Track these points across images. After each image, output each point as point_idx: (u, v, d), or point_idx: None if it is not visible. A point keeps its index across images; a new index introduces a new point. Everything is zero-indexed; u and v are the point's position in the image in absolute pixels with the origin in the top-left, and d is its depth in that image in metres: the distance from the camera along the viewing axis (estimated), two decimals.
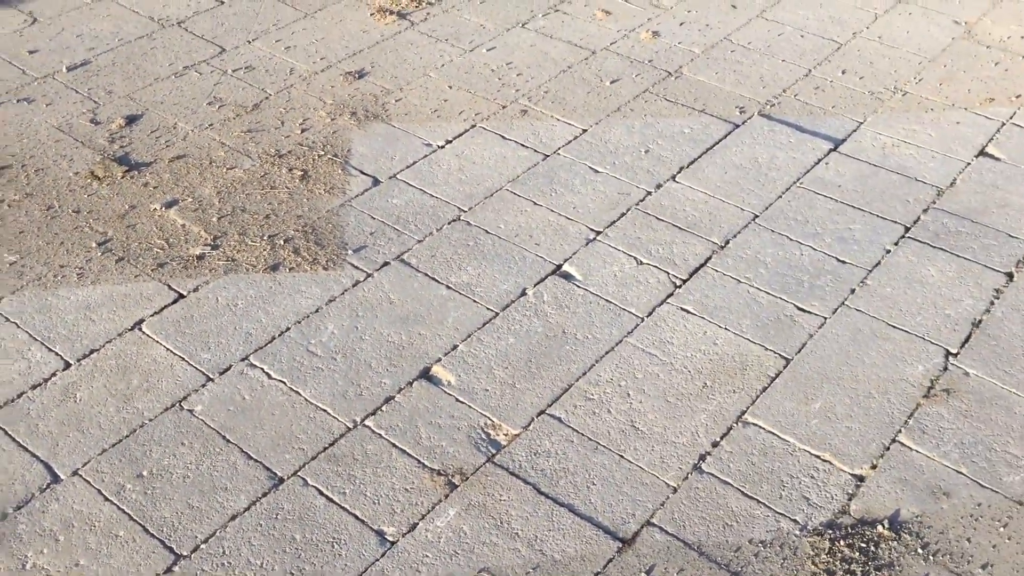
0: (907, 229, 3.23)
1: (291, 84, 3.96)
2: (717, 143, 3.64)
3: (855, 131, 3.72)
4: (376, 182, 3.41)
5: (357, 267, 3.04)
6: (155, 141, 3.60)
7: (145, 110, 3.78)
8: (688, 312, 2.89)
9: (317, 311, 2.87)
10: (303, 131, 3.67)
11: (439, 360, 2.72)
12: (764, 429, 2.53)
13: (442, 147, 3.60)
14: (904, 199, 3.37)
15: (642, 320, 2.86)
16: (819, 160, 3.55)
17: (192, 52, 4.16)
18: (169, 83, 3.95)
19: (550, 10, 4.55)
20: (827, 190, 3.40)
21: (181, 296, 2.92)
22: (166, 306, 2.88)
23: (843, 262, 3.08)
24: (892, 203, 3.35)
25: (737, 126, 3.74)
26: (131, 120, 3.72)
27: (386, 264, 3.05)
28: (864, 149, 3.62)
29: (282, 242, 3.13)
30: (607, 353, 2.75)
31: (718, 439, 2.50)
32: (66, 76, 3.98)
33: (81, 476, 2.38)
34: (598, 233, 3.19)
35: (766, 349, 2.76)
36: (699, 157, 3.56)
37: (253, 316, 2.85)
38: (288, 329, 2.81)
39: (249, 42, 4.25)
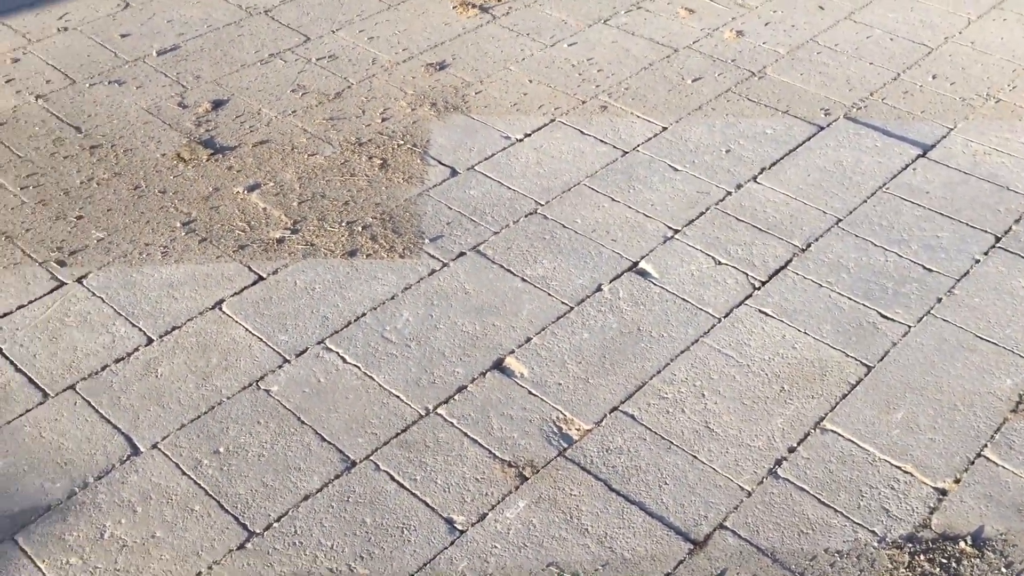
0: (998, 239, 3.13)
1: (373, 74, 3.99)
2: (800, 145, 3.57)
3: (944, 137, 3.61)
4: (454, 173, 3.42)
5: (433, 256, 3.05)
6: (240, 126, 3.66)
7: (231, 95, 3.85)
8: (767, 315, 2.84)
9: (393, 298, 2.89)
10: (383, 120, 3.70)
11: (512, 352, 2.72)
12: (843, 437, 2.47)
13: (520, 140, 3.60)
14: (995, 208, 3.26)
15: (719, 321, 2.82)
16: (906, 166, 3.46)
17: (278, 40, 4.22)
18: (255, 70, 4.01)
19: (632, 7, 4.51)
20: (914, 196, 3.31)
21: (261, 278, 2.96)
22: (246, 287, 2.93)
23: (929, 270, 3.00)
24: (982, 212, 3.24)
25: (821, 128, 3.66)
26: (217, 105, 3.79)
27: (462, 254, 3.06)
28: (954, 156, 3.51)
29: (360, 229, 3.15)
30: (682, 352, 2.71)
31: (795, 445, 2.45)
32: (156, 60, 4.07)
33: (160, 449, 2.43)
34: (676, 231, 3.16)
35: (847, 355, 2.69)
36: (781, 158, 3.50)
37: (330, 301, 2.88)
38: (364, 315, 2.83)
39: (333, 32, 4.29)
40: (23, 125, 3.66)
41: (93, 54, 4.10)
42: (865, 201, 3.28)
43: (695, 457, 2.42)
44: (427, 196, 3.31)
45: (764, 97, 3.85)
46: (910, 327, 2.79)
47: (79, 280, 2.95)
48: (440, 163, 3.47)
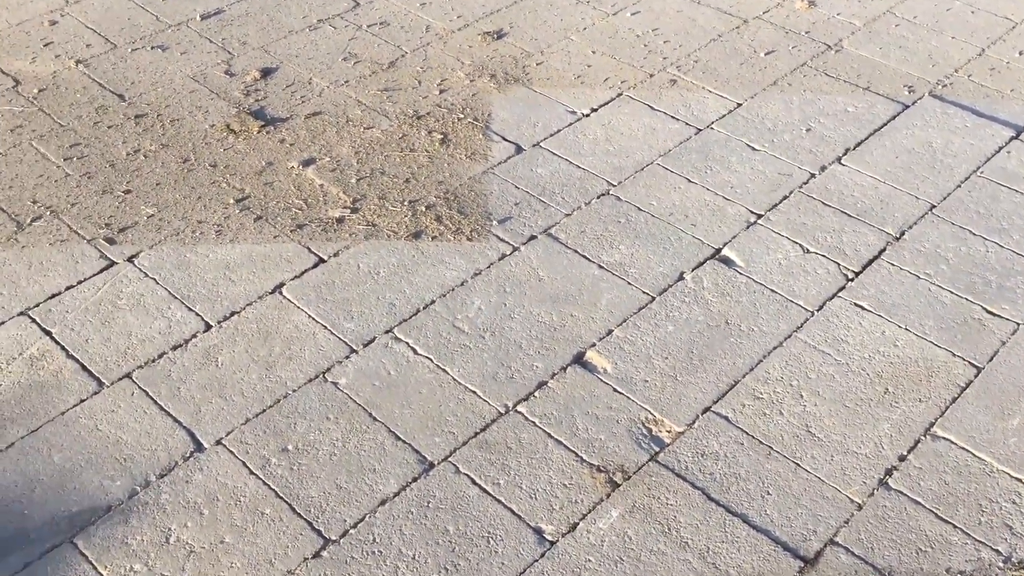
0: None
1: (427, 42, 3.80)
2: (885, 124, 3.37)
3: None
4: (519, 149, 3.24)
5: (503, 239, 2.87)
6: (290, 96, 3.48)
7: (280, 63, 3.66)
8: (863, 308, 2.66)
9: (462, 284, 2.72)
10: (441, 92, 3.51)
11: (594, 345, 2.55)
12: (956, 445, 2.30)
13: (587, 116, 3.40)
14: None
15: (812, 314, 2.64)
16: (1000, 148, 3.26)
17: (326, 5, 4.02)
18: (303, 36, 3.82)
19: None
20: (1012, 182, 3.11)
21: (322, 260, 2.79)
22: (306, 270, 2.76)
23: None
24: None
25: (906, 107, 3.45)
26: (266, 73, 3.60)
27: (533, 238, 2.88)
28: None
29: (423, 208, 2.98)
30: (775, 348, 2.54)
31: (905, 453, 2.28)
32: (200, 24, 3.88)
33: (225, 446, 2.28)
34: (759, 216, 2.97)
35: (953, 355, 2.52)
36: (866, 139, 3.30)
37: (396, 286, 2.71)
38: (433, 302, 2.66)
39: None
40: (64, 92, 3.48)
41: (134, 17, 3.91)
42: (959, 186, 3.09)
43: (798, 464, 2.25)
44: (492, 174, 3.12)
45: (842, 72, 3.64)
46: (1019, 325, 2.61)
47: (130, 259, 2.79)
48: (504, 139, 3.28)
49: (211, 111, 3.39)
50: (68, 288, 2.69)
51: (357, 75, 3.60)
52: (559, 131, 3.32)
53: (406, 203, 3.00)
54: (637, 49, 3.77)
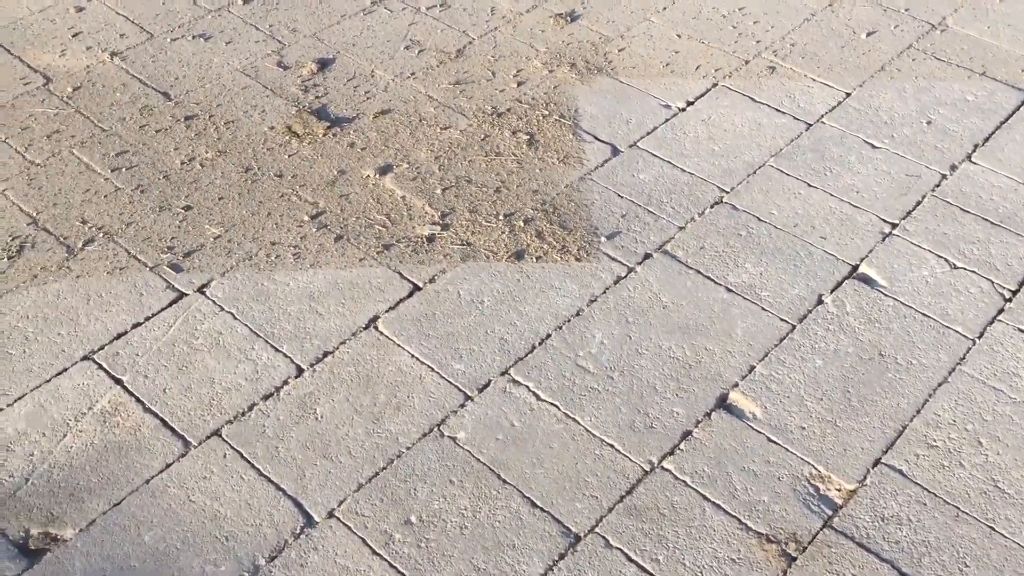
0: None
1: (495, 27, 3.46)
2: (1011, 115, 3.07)
3: None
4: (615, 151, 2.93)
5: (615, 259, 2.58)
6: (354, 92, 3.15)
7: (336, 53, 3.32)
8: None
9: (578, 314, 2.43)
10: (519, 84, 3.18)
11: (736, 385, 2.27)
12: None
13: (683, 109, 3.09)
14: None
15: (974, 342, 2.37)
16: None
17: None
18: (358, 21, 3.47)
19: None
20: None
21: (417, 288, 2.49)
22: (401, 300, 2.46)
23: None
24: None
25: None
26: (323, 65, 3.26)
27: (648, 256, 2.59)
28: None
29: (521, 223, 2.67)
30: (940, 385, 2.27)
31: None
32: (242, 9, 3.52)
33: (339, 519, 2.00)
34: (894, 226, 2.68)
35: None
36: (993, 132, 3.00)
37: (505, 317, 2.42)
38: (549, 336, 2.37)
39: None
40: (101, 90, 3.14)
41: (168, 1, 3.55)
42: None
43: (992, 528, 1.99)
44: (590, 181, 2.82)
45: (952, 55, 3.33)
46: None
47: (201, 290, 2.48)
48: (596, 139, 2.97)
49: (268, 111, 3.06)
50: (135, 326, 2.39)
51: (423, 66, 3.27)
52: (655, 128, 3.01)
53: (501, 217, 2.69)
54: (726, 31, 3.44)
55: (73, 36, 3.38)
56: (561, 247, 2.61)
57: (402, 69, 3.25)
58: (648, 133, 3.00)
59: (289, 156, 2.89)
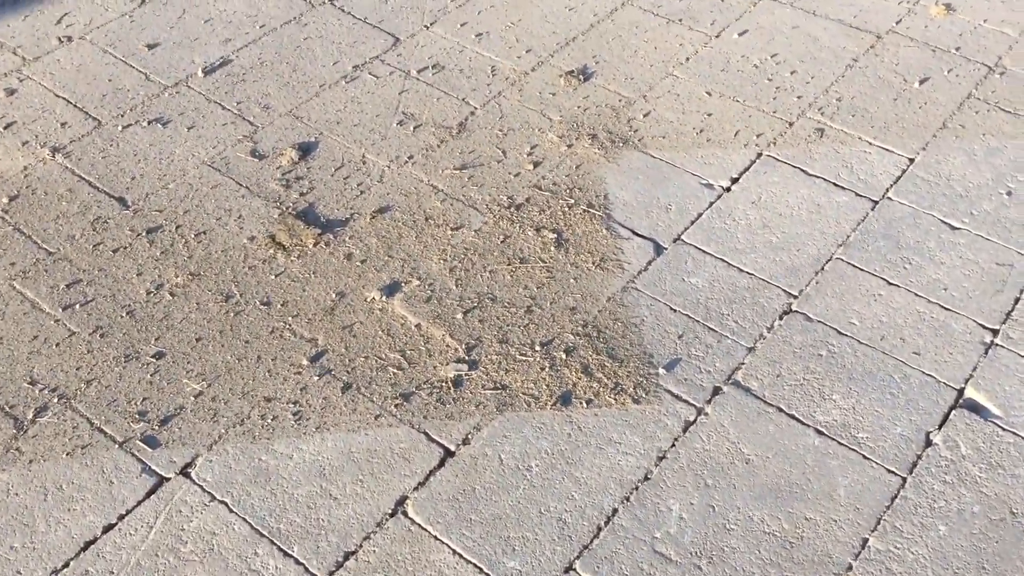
0: None
1: (499, 91, 3.01)
2: None
3: None
4: (658, 248, 2.51)
5: (679, 397, 2.17)
6: (344, 185, 2.70)
7: (319, 135, 2.86)
8: None
9: (647, 478, 2.02)
10: (535, 166, 2.75)
11: (850, 568, 1.88)
12: None
13: (728, 189, 2.68)
14: None
15: None
16: None
17: (358, 44, 3.20)
18: (340, 92, 3.01)
19: None
20: None
21: (449, 453, 2.06)
22: (432, 471, 2.03)
23: None
24: None
25: None
26: (305, 151, 2.80)
27: (718, 391, 2.18)
28: None
29: (563, 354, 2.25)
30: None
31: None
32: (204, 83, 3.04)
33: None
34: (995, 333, 2.30)
35: None
36: None
37: (559, 488, 2.00)
38: (616, 512, 1.96)
39: (427, 28, 3.28)
40: (43, 198, 2.65)
41: (116, 76, 3.06)
42: None
43: None
44: (635, 291, 2.40)
45: (1019, 103, 2.95)
46: None
47: (184, 471, 2.03)
48: (635, 233, 2.55)
49: (245, 216, 2.60)
50: (106, 529, 1.93)
51: (421, 146, 2.82)
52: (700, 216, 2.60)
53: (537, 347, 2.27)
54: (761, 86, 3.03)
55: (5, 128, 2.88)
56: (614, 385, 2.19)
57: (397, 152, 2.80)
58: (692, 222, 2.58)
59: (276, 276, 2.44)
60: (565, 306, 2.36)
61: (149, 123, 2.89)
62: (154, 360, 2.24)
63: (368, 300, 2.38)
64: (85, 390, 2.18)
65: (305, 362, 2.24)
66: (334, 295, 2.39)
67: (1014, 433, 2.09)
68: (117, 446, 2.07)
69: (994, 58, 3.14)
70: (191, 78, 3.06)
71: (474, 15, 3.33)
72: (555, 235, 2.54)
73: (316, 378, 2.21)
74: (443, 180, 2.71)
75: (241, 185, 2.69)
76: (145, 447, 2.07)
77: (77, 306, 2.36)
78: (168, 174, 2.72)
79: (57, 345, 2.27)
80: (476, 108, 2.95)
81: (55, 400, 2.16)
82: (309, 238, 2.53)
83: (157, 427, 2.11)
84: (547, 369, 2.22)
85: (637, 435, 2.09)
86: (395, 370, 2.22)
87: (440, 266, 2.46)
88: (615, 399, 2.16)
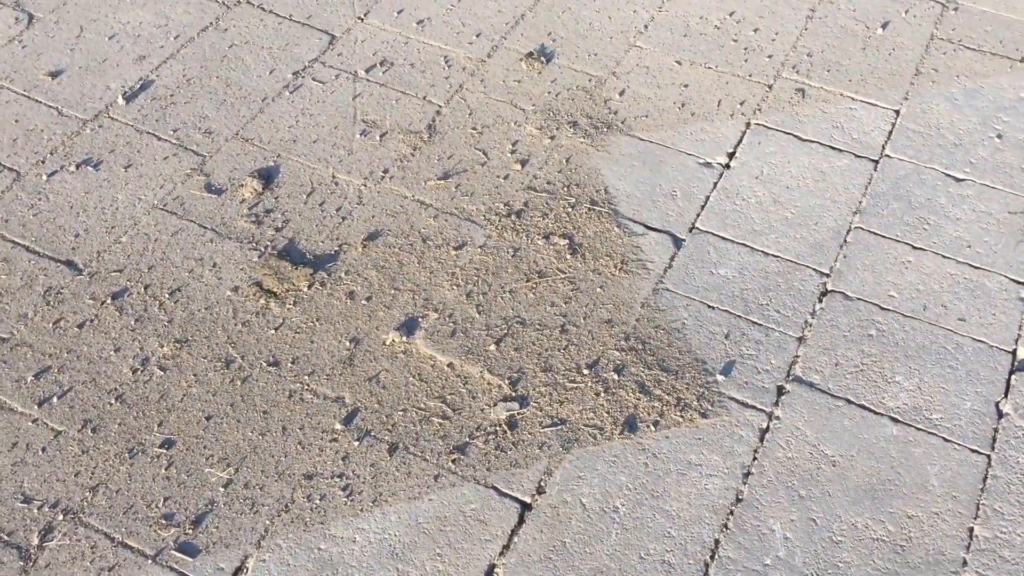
0: None
1: (459, 84, 2.79)
2: None
3: None
4: (676, 241, 2.38)
5: (746, 404, 2.06)
6: (321, 212, 2.44)
7: (277, 157, 2.57)
8: None
9: (739, 500, 1.91)
10: (522, 164, 2.56)
11: (965, 563, 1.83)
12: None
13: (727, 166, 2.57)
14: None
15: None
16: None
17: (291, 46, 2.89)
18: (287, 104, 2.71)
19: None
20: None
21: (526, 507, 1.89)
22: (513, 531, 1.86)
23: None
24: None
25: None
26: (266, 178, 2.52)
27: (783, 391, 2.08)
28: None
29: (614, 375, 2.10)
30: None
31: None
32: (127, 111, 2.69)
33: None
34: None
35: None
36: None
37: (652, 526, 1.87)
38: (719, 543, 1.84)
39: (361, 19, 2.99)
40: None
41: (22, 116, 2.66)
42: None
43: None
44: (667, 292, 2.27)
45: (982, 40, 2.94)
46: None
47: None
48: (647, 227, 2.41)
49: (220, 263, 2.31)
50: None
51: (394, 156, 2.58)
52: (708, 200, 2.48)
53: (584, 370, 2.11)
54: (729, 48, 2.91)
55: None
56: (676, 401, 2.06)
57: (369, 166, 2.55)
58: (702, 207, 2.46)
59: (276, 330, 2.18)
60: (600, 319, 2.21)
61: (77, 167, 2.53)
62: (164, 450, 1.97)
63: (387, 343, 2.16)
64: (92, 499, 1.89)
65: (338, 426, 2.01)
66: (348, 343, 2.16)
67: None
68: (150, 561, 1.81)
69: None
70: (111, 107, 2.69)
71: (408, 1, 3.07)
72: (567, 241, 2.37)
73: (356, 443, 1.98)
74: (429, 193, 2.49)
75: (205, 228, 2.39)
76: (184, 557, 1.81)
77: (54, 399, 2.05)
78: (117, 225, 2.39)
79: (44, 450, 1.96)
80: (441, 106, 2.72)
81: (60, 517, 1.86)
82: (301, 280, 2.28)
83: (190, 530, 1.85)
84: (602, 394, 2.07)
85: (715, 453, 1.98)
86: (440, 420, 2.02)
87: (454, 293, 2.26)
88: (682, 416, 2.03)
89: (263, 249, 2.34)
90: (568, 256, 2.34)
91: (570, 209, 2.45)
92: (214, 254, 2.33)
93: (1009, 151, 2.60)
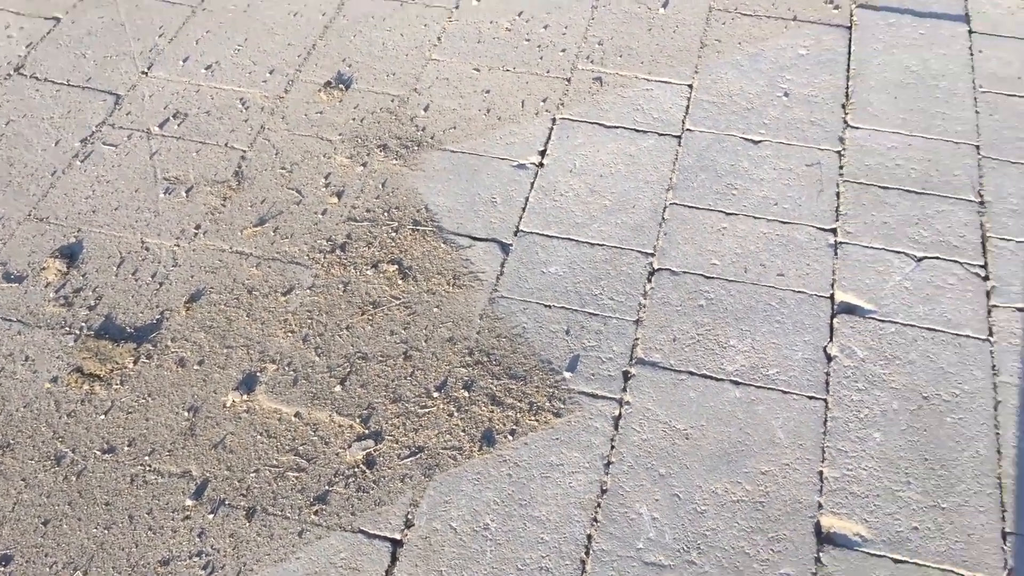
0: None
1: (261, 124, 2.71)
2: (849, 58, 2.89)
3: (960, 3, 3.10)
4: (504, 247, 2.39)
5: (596, 395, 2.09)
6: (135, 282, 2.32)
7: (78, 232, 2.43)
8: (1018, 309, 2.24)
9: (603, 492, 1.93)
10: (338, 196, 2.51)
11: (820, 507, 1.91)
12: None
13: (541, 165, 2.60)
14: None
15: (989, 343, 2.17)
16: (970, 48, 2.91)
17: (73, 112, 2.74)
18: (79, 174, 2.57)
19: None
20: (1018, 87, 2.79)
21: (397, 544, 1.86)
22: (388, 570, 1.82)
23: None
24: None
25: (849, 28, 2.99)
26: (70, 256, 2.38)
27: (629, 376, 2.12)
28: (999, 20, 3.01)
29: (464, 393, 2.09)
30: (996, 409, 2.06)
31: None
32: None
33: None
34: (833, 232, 2.41)
35: None
36: (848, 85, 2.81)
37: (525, 536, 1.87)
38: (590, 539, 1.86)
39: (145, 73, 2.87)
40: None
41: None
42: (989, 114, 2.71)
43: None
44: (503, 299, 2.27)
45: (755, 4, 3.08)
46: None
47: None
48: (473, 238, 2.41)
49: (33, 355, 2.17)
50: None
51: (204, 210, 2.48)
52: (528, 201, 2.50)
53: (434, 394, 2.09)
54: (523, 49, 2.95)
55: None
56: (529, 406, 2.07)
57: (179, 225, 2.45)
58: (524, 209, 2.48)
59: (105, 414, 2.07)
60: (442, 339, 2.19)
61: None
62: (2, 569, 1.83)
63: (228, 405, 2.08)
64: None
65: (189, 502, 1.92)
66: (186, 413, 2.06)
67: (892, 321, 2.22)
68: None
69: None
70: None
71: (192, 46, 2.96)
72: (396, 266, 2.34)
73: (210, 516, 1.90)
74: (247, 242, 2.41)
75: (10, 320, 2.24)
76: None
77: None
78: None
79: None
80: (245, 151, 2.64)
81: None
82: (125, 356, 2.17)
83: None
84: (455, 414, 2.06)
85: (574, 450, 2.00)
86: (295, 473, 1.96)
87: (290, 340, 2.20)
88: (537, 420, 2.04)
89: (78, 332, 2.21)
90: (400, 281, 2.31)
91: (394, 234, 2.42)
92: (24, 347, 2.19)
93: (797, 107, 2.75)
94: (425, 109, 2.76)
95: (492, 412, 2.05)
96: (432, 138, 2.67)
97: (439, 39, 2.99)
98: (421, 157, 2.62)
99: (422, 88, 2.82)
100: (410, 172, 2.58)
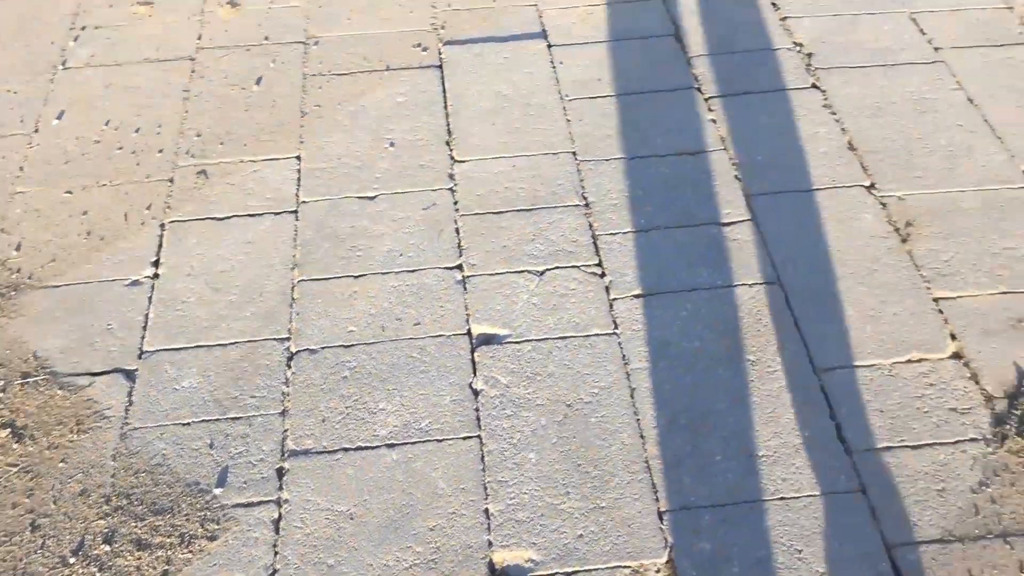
0: None
1: None
2: (444, 96, 2.96)
3: (536, 20, 3.28)
4: (128, 374, 2.23)
5: (251, 503, 1.98)
6: None
7: None
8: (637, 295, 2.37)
9: None
10: None
11: (491, 544, 1.91)
12: None
13: (156, 276, 2.46)
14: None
15: (616, 336, 2.28)
16: (551, 61, 3.08)
17: None
18: None
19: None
20: (597, 89, 2.97)
21: None
22: None
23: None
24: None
25: (440, 67, 3.08)
26: None
27: (283, 472, 2.03)
28: (570, 29, 3.21)
29: (105, 548, 1.91)
30: (632, 397, 2.16)
31: None
32: None
33: None
34: (460, 268, 2.45)
35: None
36: (447, 122, 2.88)
37: None
38: None
39: None
40: None
41: None
42: (568, 120, 2.86)
43: None
44: (135, 431, 2.11)
45: (348, 62, 3.10)
46: None
47: None
48: (92, 374, 2.23)
49: None
50: None
51: None
52: (149, 318, 2.35)
53: (71, 559, 1.89)
54: (116, 158, 2.79)
55: None
56: (180, 539, 1.93)
57: None
58: (144, 327, 2.33)
59: None
60: (72, 495, 2.01)
61: None
62: None
63: None
64: None
65: None
66: None
67: (527, 340, 2.28)
68: None
69: (300, 33, 3.25)
70: None
71: None
72: (8, 430, 2.12)
73: None
74: None
75: None
76: None
77: None
78: None
79: None
80: None
81: None
82: None
83: None
84: (98, 574, 1.88)
85: (236, 570, 1.88)
86: None
87: None
88: (191, 551, 1.91)
89: None
90: (15, 446, 2.10)
91: (1, 395, 2.20)
92: None
93: (405, 154, 2.78)
94: (17, 248, 2.54)
95: (139, 559, 1.90)
96: (30, 278, 2.46)
97: (21, 168, 2.77)
98: (21, 302, 2.40)
99: (10, 227, 2.60)
100: (10, 321, 2.35)
